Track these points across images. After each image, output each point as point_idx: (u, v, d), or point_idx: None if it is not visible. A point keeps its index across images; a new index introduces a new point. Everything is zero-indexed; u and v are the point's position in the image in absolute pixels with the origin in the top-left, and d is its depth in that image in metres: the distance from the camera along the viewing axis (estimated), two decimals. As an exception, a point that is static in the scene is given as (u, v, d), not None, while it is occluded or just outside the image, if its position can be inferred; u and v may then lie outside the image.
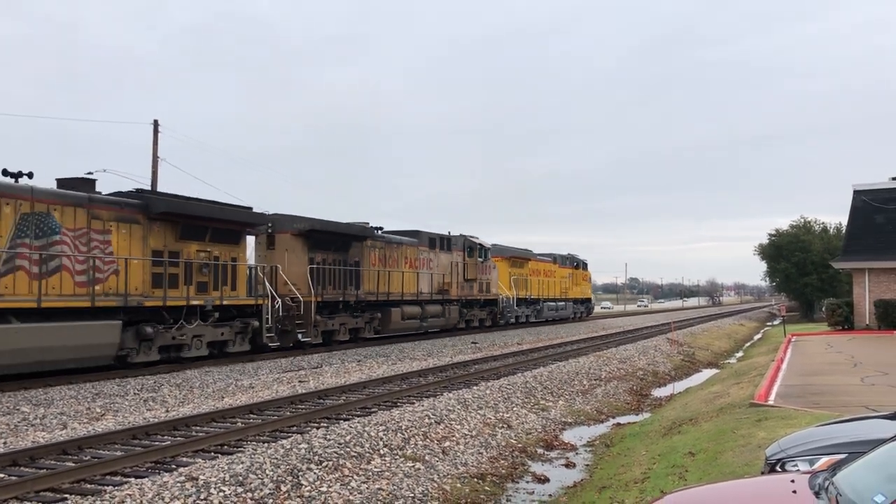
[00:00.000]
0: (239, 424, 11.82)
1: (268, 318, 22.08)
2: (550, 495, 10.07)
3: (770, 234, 62.63)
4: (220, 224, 20.65)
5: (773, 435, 8.96)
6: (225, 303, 20.62)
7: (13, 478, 8.34)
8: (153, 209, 18.68)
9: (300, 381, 17.31)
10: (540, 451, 12.59)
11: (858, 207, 36.87)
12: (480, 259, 36.16)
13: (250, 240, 23.41)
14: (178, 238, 19.50)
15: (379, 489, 9.02)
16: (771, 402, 12.75)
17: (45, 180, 18.95)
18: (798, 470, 5.77)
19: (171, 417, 12.20)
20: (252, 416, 12.70)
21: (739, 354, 33.36)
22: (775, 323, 58.96)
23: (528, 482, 10.72)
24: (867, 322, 33.99)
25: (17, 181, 15.88)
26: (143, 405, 14.04)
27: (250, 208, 22.46)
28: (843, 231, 42.55)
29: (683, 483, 8.57)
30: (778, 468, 6.16)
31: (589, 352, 25.80)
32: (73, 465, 8.95)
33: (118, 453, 9.65)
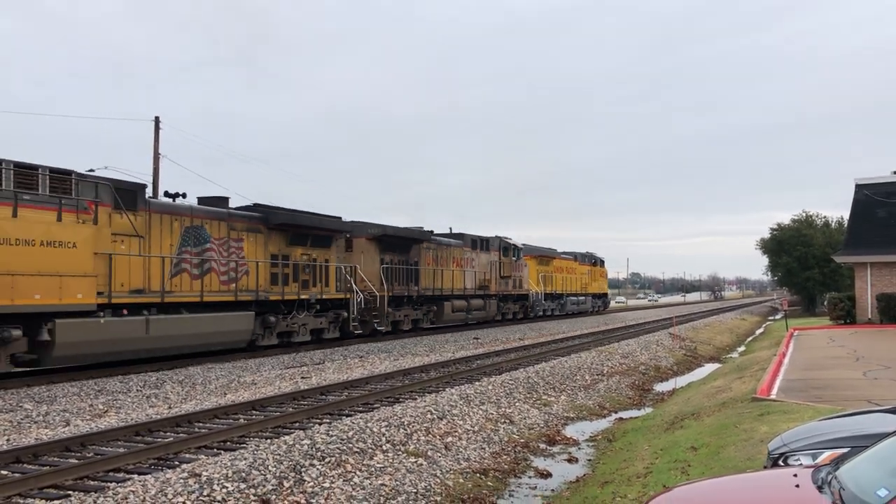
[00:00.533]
0: (241, 421, 11.84)
1: (353, 310, 26.02)
2: (553, 490, 10.08)
3: (772, 229, 62.66)
4: (317, 231, 24.72)
5: (776, 429, 8.95)
6: (323, 297, 24.72)
7: (16, 475, 8.36)
8: (271, 221, 22.81)
9: (302, 378, 17.33)
10: (542, 446, 12.59)
11: (860, 201, 36.83)
12: (514, 258, 40.03)
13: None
14: (288, 244, 23.59)
15: (382, 485, 9.04)
16: (773, 397, 12.74)
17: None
18: (801, 464, 5.77)
19: (174, 414, 12.22)
20: (255, 412, 12.72)
21: (741, 349, 33.36)
22: (777, 317, 58.93)
23: (530, 477, 10.73)
24: (869, 316, 33.97)
25: (174, 200, 19.87)
26: (146, 402, 14.06)
27: (339, 218, 26.23)
28: (845, 225, 42.51)
29: (686, 478, 8.57)
30: (781, 462, 6.16)
31: (591, 347, 25.81)
32: (76, 461, 8.96)
33: (121, 450, 9.67)
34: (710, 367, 25.28)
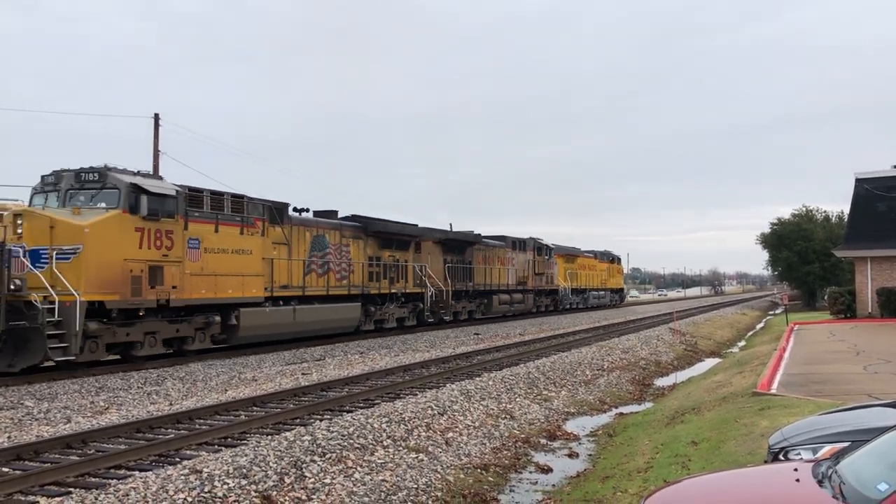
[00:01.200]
0: (242, 417, 11.85)
1: (427, 302, 31.37)
2: (554, 485, 10.09)
3: (772, 223, 62.54)
4: (400, 237, 29.95)
5: (776, 424, 8.96)
6: (407, 291, 30.13)
7: (18, 472, 8.37)
8: (369, 229, 28.02)
9: (303, 374, 17.34)
10: (543, 441, 12.61)
11: (860, 195, 36.81)
12: (546, 257, 44.99)
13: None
14: (380, 248, 28.75)
15: (382, 480, 9.04)
16: (773, 391, 12.75)
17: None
18: (801, 459, 5.78)
19: (175, 411, 12.23)
20: (255, 408, 12.72)
21: (742, 343, 33.37)
22: (777, 312, 58.93)
23: (531, 472, 10.74)
24: (869, 310, 33.98)
25: (300, 214, 24.61)
26: (147, 399, 14.07)
27: (415, 225, 31.54)
28: (845, 219, 42.50)
29: (687, 472, 8.58)
30: (781, 457, 6.17)
31: (591, 342, 25.82)
32: (78, 458, 8.97)
33: (122, 447, 9.68)
34: (710, 362, 25.30)
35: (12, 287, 15.34)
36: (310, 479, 8.66)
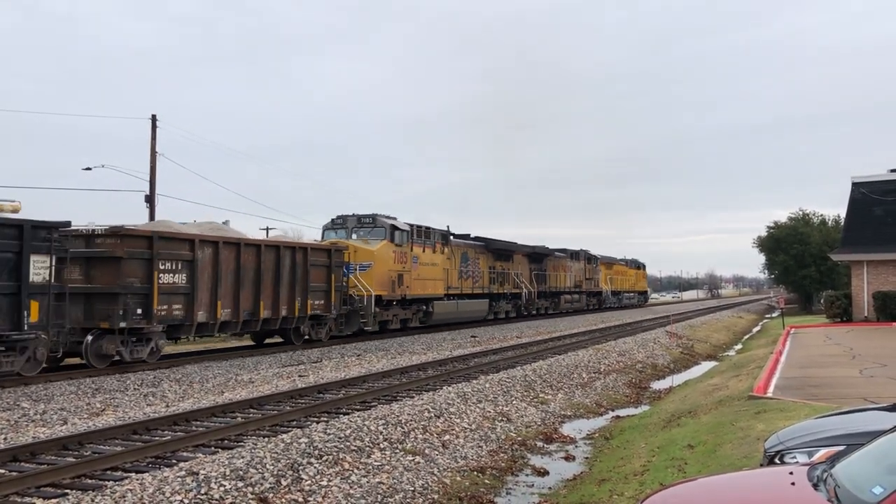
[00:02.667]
0: (239, 419, 11.85)
1: (524, 300, 41.55)
2: (550, 488, 10.10)
3: (769, 227, 62.76)
4: (505, 251, 39.53)
5: (772, 427, 8.98)
6: (513, 291, 40.37)
7: (14, 473, 8.36)
8: (490, 246, 37.94)
9: (300, 376, 17.33)
10: (539, 444, 12.62)
11: (857, 199, 36.90)
12: (593, 265, 55.05)
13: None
14: (494, 260, 38.47)
15: (379, 483, 9.05)
16: (770, 395, 12.77)
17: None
18: (797, 462, 5.79)
19: (172, 412, 12.23)
20: (252, 410, 12.73)
21: (738, 347, 33.41)
22: (774, 315, 59.03)
23: (527, 475, 10.75)
24: (866, 314, 34.04)
25: (452, 237, 33.85)
26: (144, 400, 14.06)
27: (515, 242, 40.84)
28: (842, 223, 42.58)
29: (683, 476, 8.60)
30: (777, 460, 6.19)
31: (588, 345, 25.84)
32: (74, 460, 8.97)
33: (119, 448, 9.68)
34: (706, 365, 25.33)
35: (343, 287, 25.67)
36: (306, 481, 8.66)
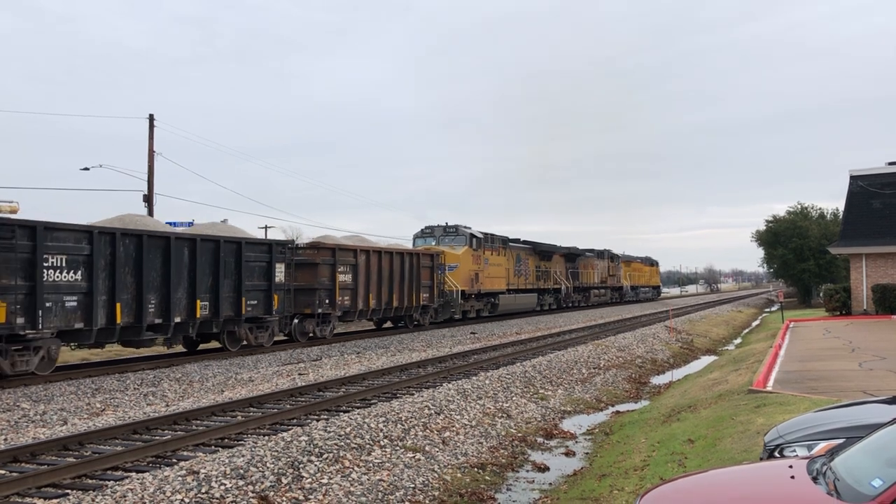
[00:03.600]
0: (239, 418, 11.85)
1: (563, 294, 47.86)
2: (550, 484, 10.11)
3: (767, 221, 62.69)
4: (547, 252, 45.85)
5: (772, 421, 9.00)
6: (553, 287, 46.77)
7: (14, 474, 8.36)
8: (536, 248, 44.21)
9: (300, 374, 17.33)
10: (539, 440, 12.63)
11: (855, 193, 36.89)
12: (616, 263, 61.61)
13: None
14: (539, 260, 44.69)
15: (380, 480, 9.06)
16: (769, 389, 12.78)
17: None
18: (796, 455, 5.80)
19: (172, 412, 12.22)
20: (252, 409, 12.73)
21: (738, 341, 33.44)
22: (773, 309, 59.07)
23: (528, 471, 10.76)
24: (865, 307, 34.07)
25: (508, 242, 40.13)
26: (143, 400, 14.06)
27: (554, 244, 47.30)
28: (841, 216, 42.58)
29: (683, 470, 8.61)
30: (776, 454, 6.19)
31: (588, 340, 25.85)
32: (74, 460, 8.96)
33: (119, 448, 9.67)
34: (706, 360, 25.35)
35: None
36: (307, 479, 8.67)
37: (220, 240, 20.15)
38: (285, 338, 24.50)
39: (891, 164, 37.39)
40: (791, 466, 4.68)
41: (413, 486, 9.10)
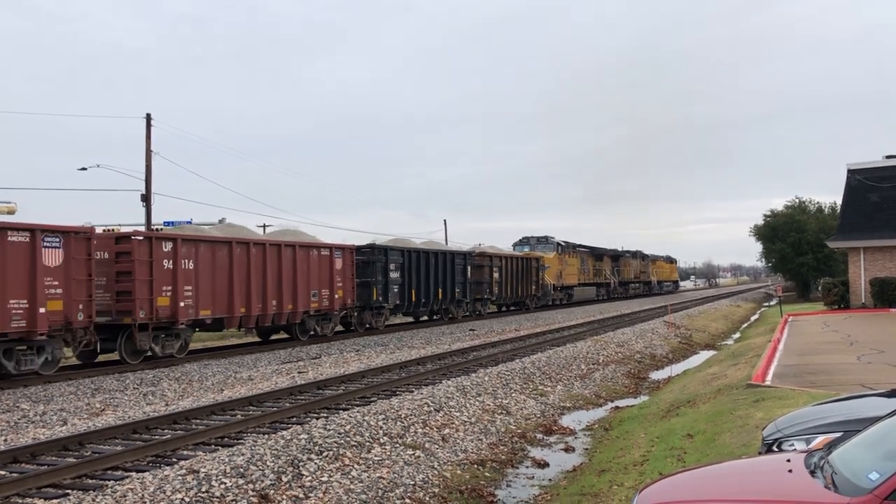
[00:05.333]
0: (239, 417, 11.86)
1: (611, 288, 61.08)
2: (550, 480, 10.13)
3: (765, 215, 62.79)
4: (599, 255, 58.74)
5: (771, 415, 9.01)
6: (604, 282, 59.89)
7: (15, 475, 8.37)
8: (592, 252, 57.64)
9: (299, 373, 17.35)
10: (539, 436, 12.65)
11: (853, 186, 36.93)
12: (645, 261, 74.07)
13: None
14: (594, 261, 57.55)
15: (380, 477, 9.07)
16: (768, 383, 12.81)
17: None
18: (795, 449, 5.82)
19: (171, 411, 12.23)
20: (252, 407, 12.74)
21: (736, 336, 33.48)
22: (772, 303, 59.12)
23: (527, 467, 10.78)
24: (863, 300, 34.12)
25: (576, 247, 54.88)
26: (143, 399, 14.07)
27: (605, 248, 60.47)
28: (838, 210, 42.62)
29: (682, 465, 8.63)
30: (775, 448, 6.21)
31: (587, 336, 25.88)
32: (74, 460, 8.97)
33: (119, 448, 9.69)
34: (705, 355, 25.38)
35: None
36: (307, 477, 8.68)
37: (447, 252, 34.96)
38: (467, 313, 36.82)
39: (888, 157, 37.43)
40: (789, 460, 4.70)
41: (413, 483, 9.12)
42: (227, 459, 8.62)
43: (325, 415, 11.83)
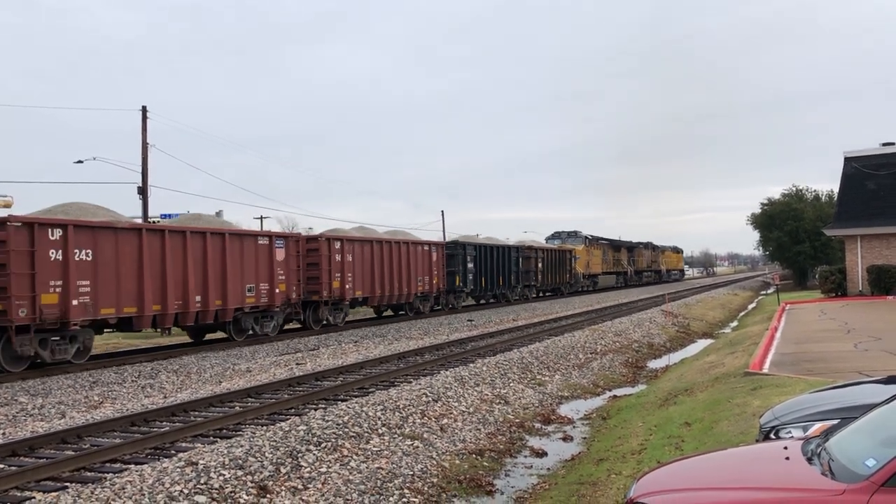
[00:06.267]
0: (237, 408, 11.87)
1: (628, 275, 70.20)
2: (549, 469, 10.16)
3: (762, 204, 62.83)
4: (619, 246, 68.12)
5: (768, 403, 9.03)
6: (622, 271, 68.44)
7: (13, 468, 8.37)
8: (612, 244, 66.34)
9: (297, 364, 17.36)
10: (537, 425, 12.67)
11: (850, 174, 36.94)
12: (656, 252, 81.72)
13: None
14: (613, 252, 65.83)
15: (378, 468, 9.09)
16: (765, 371, 12.84)
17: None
18: (792, 437, 5.83)
19: (170, 403, 12.24)
20: (250, 399, 12.75)
21: (734, 324, 33.53)
22: (769, 292, 59.19)
23: (526, 457, 10.80)
24: (860, 288, 34.18)
25: (599, 240, 63.58)
26: (141, 392, 14.07)
27: (621, 240, 70.72)
28: (835, 198, 42.65)
29: (680, 453, 8.65)
30: (772, 436, 6.23)
31: (584, 325, 25.91)
32: (73, 453, 8.98)
33: (117, 441, 9.69)
34: (702, 343, 25.43)
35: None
36: (305, 468, 8.69)
37: (504, 246, 41.74)
38: (517, 297, 43.84)
39: (885, 145, 37.44)
40: (786, 448, 4.71)
41: (411, 473, 9.13)
42: (225, 451, 8.62)
43: (323, 406, 11.85)
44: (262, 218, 51.11)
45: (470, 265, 37.13)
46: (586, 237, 57.36)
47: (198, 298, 20.09)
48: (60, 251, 16.61)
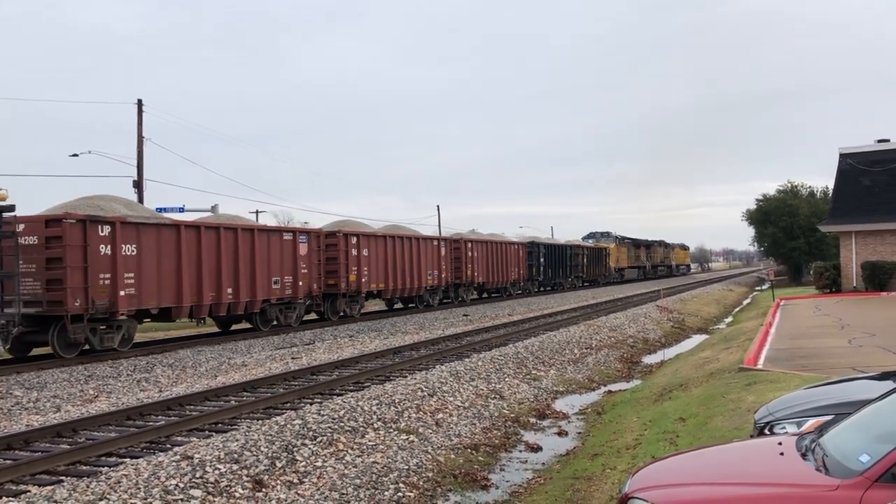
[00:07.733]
0: (233, 402, 11.87)
1: (646, 269, 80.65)
2: (544, 464, 10.18)
3: (758, 200, 62.91)
4: (638, 245, 77.05)
5: (763, 399, 9.06)
6: (642, 265, 78.69)
7: (8, 462, 8.36)
8: (634, 243, 75.98)
9: (293, 358, 17.36)
10: (532, 420, 12.70)
11: (845, 170, 37.00)
12: (668, 249, 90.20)
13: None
14: (635, 249, 75.78)
15: (374, 462, 9.10)
16: (760, 367, 12.88)
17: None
18: (786, 432, 5.85)
19: (165, 397, 12.24)
20: (245, 393, 12.75)
21: (729, 320, 33.62)
22: (764, 287, 59.36)
23: (521, 451, 10.83)
24: (854, 284, 34.28)
25: (624, 239, 74.98)
26: (137, 386, 14.06)
27: (641, 239, 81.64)
28: (830, 194, 42.73)
29: (675, 448, 8.68)
30: (767, 431, 6.24)
31: (579, 321, 25.95)
32: (68, 447, 8.98)
33: (113, 434, 9.69)
34: (697, 339, 25.50)
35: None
36: (301, 462, 8.70)
37: (562, 245, 52.85)
38: (569, 287, 53.01)
39: (880, 141, 37.50)
40: (780, 443, 4.73)
41: (407, 467, 9.15)
42: (221, 445, 8.63)
43: (318, 400, 11.85)
44: (257, 212, 51.01)
45: (542, 260, 47.61)
46: (616, 237, 68.73)
47: (230, 290, 21.18)
48: (109, 246, 17.77)
